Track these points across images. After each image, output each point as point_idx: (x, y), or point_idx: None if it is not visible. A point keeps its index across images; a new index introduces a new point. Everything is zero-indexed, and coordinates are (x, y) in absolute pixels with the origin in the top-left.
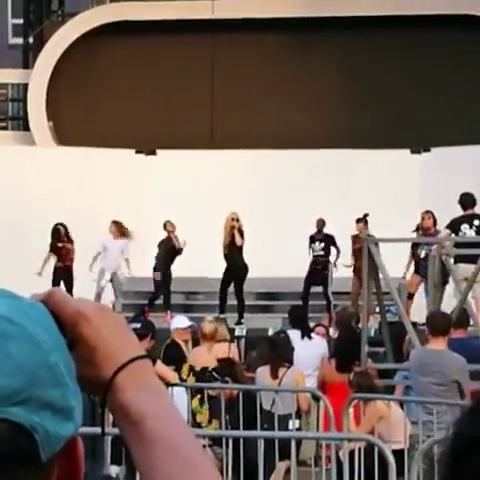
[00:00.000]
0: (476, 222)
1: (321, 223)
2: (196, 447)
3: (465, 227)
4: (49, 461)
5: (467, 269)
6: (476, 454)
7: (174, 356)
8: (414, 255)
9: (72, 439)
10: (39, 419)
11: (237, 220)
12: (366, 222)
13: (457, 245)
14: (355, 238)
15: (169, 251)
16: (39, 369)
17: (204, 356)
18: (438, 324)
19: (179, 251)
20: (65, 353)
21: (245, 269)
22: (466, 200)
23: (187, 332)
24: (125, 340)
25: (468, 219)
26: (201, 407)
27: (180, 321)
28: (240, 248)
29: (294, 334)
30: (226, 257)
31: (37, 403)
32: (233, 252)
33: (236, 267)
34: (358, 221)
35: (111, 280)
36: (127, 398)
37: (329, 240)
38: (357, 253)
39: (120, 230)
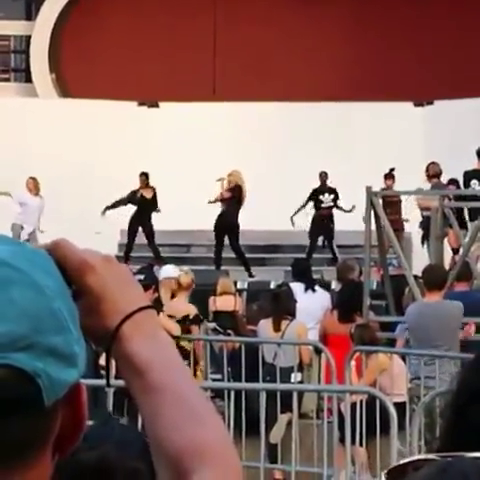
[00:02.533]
0: None
1: (324, 176)
2: (200, 396)
3: (475, 183)
4: (52, 407)
5: None
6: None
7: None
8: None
9: (75, 386)
10: (42, 365)
11: (230, 175)
12: (393, 177)
13: (465, 198)
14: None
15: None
16: (42, 315)
17: (182, 306)
18: (433, 278)
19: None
20: (68, 300)
21: (237, 226)
22: None
23: (173, 282)
24: (131, 290)
25: (479, 174)
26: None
27: (169, 271)
28: (234, 204)
29: (297, 287)
30: (221, 215)
31: (40, 349)
32: (227, 208)
33: (230, 224)
34: (386, 177)
35: (28, 239)
36: (133, 348)
37: (337, 194)
38: (389, 208)
39: (37, 187)
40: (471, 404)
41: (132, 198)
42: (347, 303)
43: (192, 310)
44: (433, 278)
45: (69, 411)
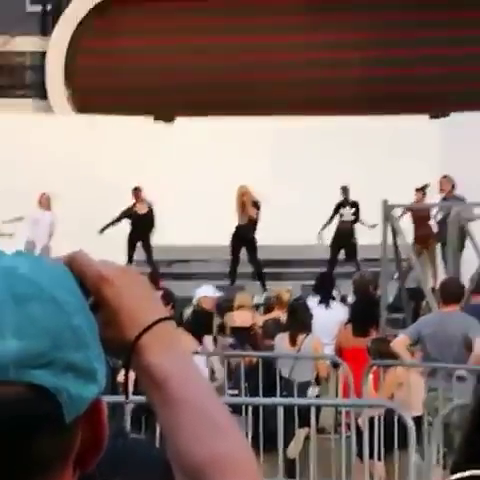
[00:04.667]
0: None
1: (347, 190)
2: (220, 408)
3: None
4: (73, 423)
5: None
6: None
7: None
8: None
9: (96, 401)
10: (62, 382)
11: (246, 193)
12: (424, 193)
13: None
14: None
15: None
16: (62, 331)
17: None
18: (450, 292)
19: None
20: (88, 315)
21: (255, 240)
22: None
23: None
24: (149, 302)
25: None
26: None
27: (208, 290)
28: (254, 220)
29: (313, 301)
30: (238, 228)
31: (60, 366)
32: (245, 224)
33: (249, 238)
34: (417, 190)
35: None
36: (152, 359)
37: (357, 206)
38: (418, 222)
39: (49, 202)
40: None
41: (127, 214)
42: (361, 317)
43: None
44: (449, 291)
45: (90, 427)
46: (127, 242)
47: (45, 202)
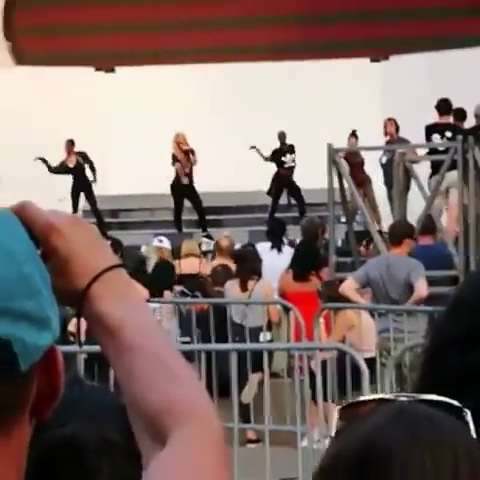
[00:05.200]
0: (448, 133)
1: (283, 136)
2: (175, 355)
3: (436, 137)
4: (29, 371)
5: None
6: (456, 351)
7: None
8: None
9: (51, 349)
10: (16, 330)
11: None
12: (356, 137)
13: (431, 152)
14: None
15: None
16: (13, 280)
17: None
18: (399, 233)
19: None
20: (39, 263)
21: (193, 187)
22: (442, 106)
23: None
24: (99, 251)
25: (441, 128)
26: None
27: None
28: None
29: (262, 247)
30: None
31: (13, 314)
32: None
33: (188, 186)
34: (350, 137)
35: None
36: (104, 308)
37: (294, 151)
38: (353, 168)
39: None
40: (447, 352)
41: (59, 169)
42: (301, 262)
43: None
44: (397, 233)
45: (45, 375)
46: (70, 194)
47: None
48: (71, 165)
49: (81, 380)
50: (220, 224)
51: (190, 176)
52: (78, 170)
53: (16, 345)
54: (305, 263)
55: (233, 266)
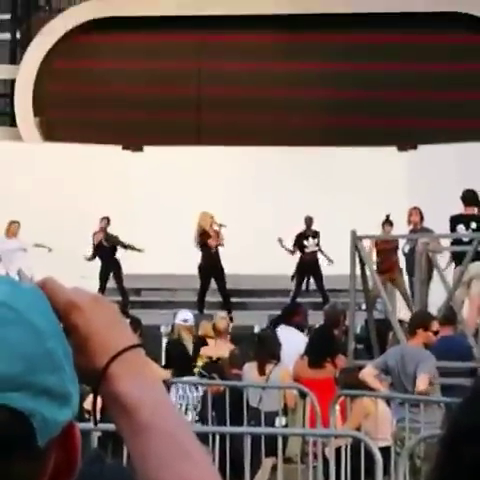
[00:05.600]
0: (473, 224)
1: (309, 221)
2: (190, 435)
3: (461, 228)
4: (46, 447)
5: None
6: (472, 443)
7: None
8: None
9: (69, 425)
10: (36, 405)
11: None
12: (391, 223)
13: (454, 243)
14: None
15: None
16: (37, 355)
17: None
18: (415, 322)
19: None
20: (63, 339)
21: (223, 268)
22: (468, 197)
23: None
24: (118, 330)
25: (466, 219)
26: None
27: (187, 315)
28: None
29: (282, 331)
30: (209, 254)
31: (35, 389)
32: (215, 252)
33: (217, 267)
34: (384, 223)
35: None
36: (121, 387)
37: (318, 236)
38: (383, 254)
39: (16, 230)
40: (463, 444)
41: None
42: (316, 349)
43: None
44: (411, 322)
45: (63, 450)
46: (99, 273)
47: (15, 231)
48: (96, 242)
49: (102, 458)
50: (239, 307)
51: (218, 256)
52: (106, 247)
53: (36, 420)
54: (320, 350)
55: (228, 347)
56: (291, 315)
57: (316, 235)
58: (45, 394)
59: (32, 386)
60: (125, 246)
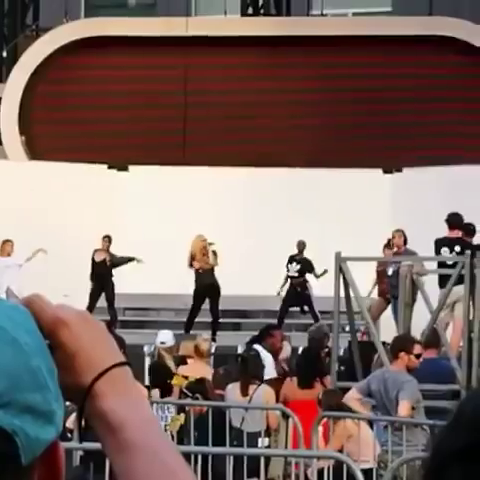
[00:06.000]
0: (457, 248)
1: (302, 246)
2: (175, 455)
3: (445, 251)
4: (30, 465)
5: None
6: (456, 467)
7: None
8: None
9: (53, 444)
10: (20, 423)
11: (207, 242)
12: (391, 247)
13: (439, 265)
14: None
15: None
16: (21, 373)
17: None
18: (394, 346)
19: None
20: (47, 356)
21: (218, 289)
22: (453, 220)
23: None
24: (105, 347)
25: (450, 243)
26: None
27: (168, 337)
28: (212, 268)
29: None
30: (199, 276)
31: (18, 407)
32: (209, 272)
33: (212, 287)
34: (384, 248)
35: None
36: (107, 405)
37: (306, 264)
38: (380, 277)
39: (11, 248)
40: (447, 466)
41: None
42: (305, 370)
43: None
44: (392, 346)
45: (46, 469)
46: (91, 289)
47: (8, 250)
48: (98, 260)
49: (86, 477)
50: (224, 327)
51: (209, 277)
52: (105, 265)
53: (19, 438)
54: (309, 370)
55: (209, 369)
56: (266, 336)
57: (302, 262)
58: (29, 412)
59: (16, 404)
60: (130, 259)
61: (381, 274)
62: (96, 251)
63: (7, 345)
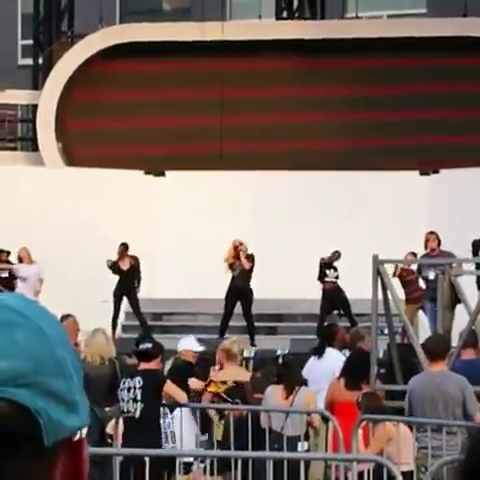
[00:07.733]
0: None
1: (337, 256)
2: None
3: None
4: (52, 450)
5: None
6: None
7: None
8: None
9: (79, 440)
10: (43, 404)
11: (241, 244)
12: (415, 255)
13: (478, 267)
14: (405, 270)
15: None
16: (45, 358)
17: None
18: (434, 348)
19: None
20: (71, 353)
21: (251, 293)
22: None
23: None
24: None
25: None
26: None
27: (191, 344)
28: (248, 271)
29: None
30: (232, 280)
31: (42, 389)
32: (241, 275)
33: (244, 290)
34: (407, 255)
35: None
36: None
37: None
38: (410, 284)
39: (30, 255)
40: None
41: (113, 269)
42: (354, 371)
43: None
44: (434, 348)
45: (71, 460)
46: (113, 295)
47: (26, 256)
48: (124, 268)
49: None
50: (262, 331)
51: (242, 279)
52: (130, 273)
53: (42, 418)
54: (358, 372)
55: (244, 372)
56: (331, 336)
57: (335, 269)
58: (52, 396)
59: (39, 386)
60: (140, 276)
61: (410, 283)
62: (119, 260)
63: (32, 332)
